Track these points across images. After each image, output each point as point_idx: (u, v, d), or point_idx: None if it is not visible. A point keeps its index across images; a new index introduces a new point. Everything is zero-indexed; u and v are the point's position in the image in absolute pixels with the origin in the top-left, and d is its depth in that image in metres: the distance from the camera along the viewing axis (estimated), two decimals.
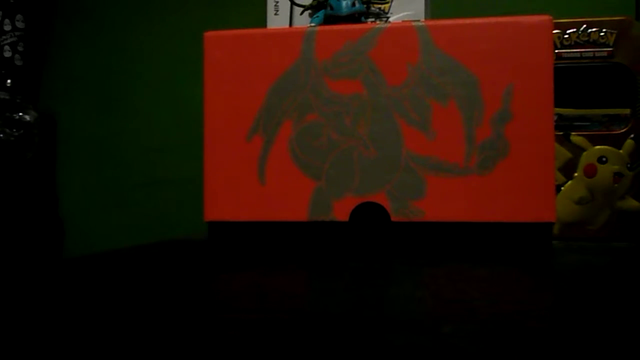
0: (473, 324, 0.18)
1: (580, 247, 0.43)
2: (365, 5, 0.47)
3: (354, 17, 0.45)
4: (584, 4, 0.73)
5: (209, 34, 0.43)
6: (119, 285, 0.26)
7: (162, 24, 0.88)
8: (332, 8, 0.46)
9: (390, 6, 0.51)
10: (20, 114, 0.82)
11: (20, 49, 0.85)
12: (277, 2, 0.53)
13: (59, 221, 0.91)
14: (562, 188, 0.49)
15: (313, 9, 0.49)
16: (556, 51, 0.50)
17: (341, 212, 0.40)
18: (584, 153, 0.49)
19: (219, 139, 0.42)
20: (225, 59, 0.42)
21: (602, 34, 0.49)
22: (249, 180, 0.41)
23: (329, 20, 0.46)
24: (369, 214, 0.40)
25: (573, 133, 0.49)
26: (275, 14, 0.53)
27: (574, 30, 0.50)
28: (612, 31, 0.49)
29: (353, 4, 0.45)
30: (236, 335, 0.17)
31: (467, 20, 0.40)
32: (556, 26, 0.50)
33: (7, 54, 0.83)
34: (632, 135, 0.48)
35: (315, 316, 0.19)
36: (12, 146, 0.80)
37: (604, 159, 0.48)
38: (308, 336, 0.17)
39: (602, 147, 0.49)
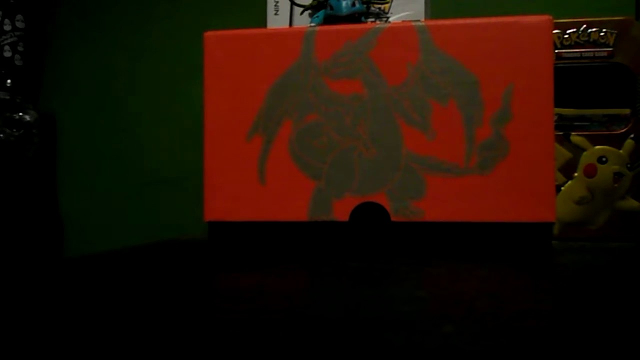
0: (473, 324, 0.18)
1: (580, 247, 0.43)
2: (365, 5, 0.47)
3: (354, 17, 0.45)
4: (584, 4, 0.73)
5: (209, 34, 0.43)
6: (118, 285, 0.26)
7: (162, 24, 0.88)
8: (332, 8, 0.46)
9: (390, 6, 0.51)
10: (20, 114, 0.82)
11: (20, 49, 0.85)
12: (277, 2, 0.53)
13: (59, 221, 0.91)
14: (562, 188, 0.49)
15: (313, 9, 0.49)
16: (556, 51, 0.50)
17: (341, 212, 0.40)
18: (584, 153, 0.49)
19: (219, 139, 0.42)
20: (225, 59, 0.42)
21: (602, 34, 0.49)
22: (249, 180, 0.41)
23: (329, 20, 0.46)
24: (369, 214, 0.40)
25: (573, 133, 0.49)
26: (275, 14, 0.53)
27: (574, 30, 0.50)
28: (612, 31, 0.49)
29: (353, 4, 0.45)
30: (236, 335, 0.17)
31: (467, 20, 0.40)
32: (556, 26, 0.50)
33: (7, 54, 0.83)
34: (632, 135, 0.48)
35: (315, 316, 0.19)
36: (12, 146, 0.80)
37: (604, 159, 0.48)
38: (308, 336, 0.17)
39: (602, 147, 0.49)
